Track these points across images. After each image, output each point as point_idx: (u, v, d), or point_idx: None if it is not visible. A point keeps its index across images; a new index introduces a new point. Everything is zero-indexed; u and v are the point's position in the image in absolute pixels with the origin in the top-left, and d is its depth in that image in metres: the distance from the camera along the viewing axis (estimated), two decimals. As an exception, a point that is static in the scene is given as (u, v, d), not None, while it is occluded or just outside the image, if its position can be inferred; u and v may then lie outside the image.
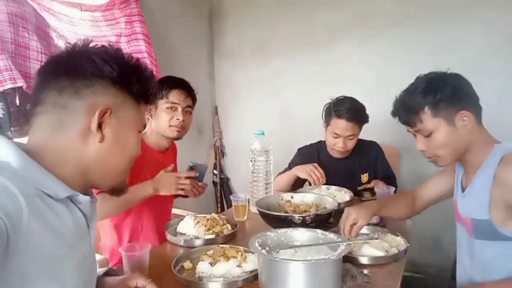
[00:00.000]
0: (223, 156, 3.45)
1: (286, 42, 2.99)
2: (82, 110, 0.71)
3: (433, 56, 2.39)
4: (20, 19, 1.63)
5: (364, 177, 2.04)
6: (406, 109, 1.17)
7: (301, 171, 1.95)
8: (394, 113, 1.22)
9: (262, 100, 3.19)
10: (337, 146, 1.94)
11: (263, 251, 1.02)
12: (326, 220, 1.44)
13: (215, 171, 3.41)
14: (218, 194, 3.41)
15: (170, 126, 1.62)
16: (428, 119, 1.13)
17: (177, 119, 1.61)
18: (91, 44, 0.76)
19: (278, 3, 2.98)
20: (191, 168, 1.53)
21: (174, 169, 1.83)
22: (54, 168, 0.70)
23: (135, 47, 2.35)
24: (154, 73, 2.38)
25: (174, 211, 1.98)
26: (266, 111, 3.17)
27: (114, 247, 1.58)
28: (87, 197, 0.76)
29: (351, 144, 1.93)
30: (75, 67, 0.72)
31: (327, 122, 1.97)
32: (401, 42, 2.55)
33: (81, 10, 2.04)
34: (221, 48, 3.35)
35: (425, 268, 2.36)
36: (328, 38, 2.80)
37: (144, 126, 0.85)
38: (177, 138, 1.69)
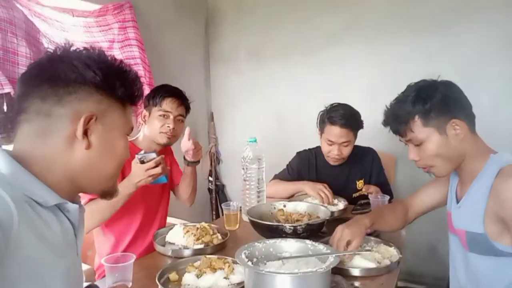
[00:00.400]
0: (218, 163, 3.42)
1: (281, 47, 2.98)
2: (66, 118, 0.70)
3: (429, 62, 2.37)
4: (9, 24, 1.61)
5: (360, 184, 2.02)
6: (396, 118, 1.15)
7: (310, 189, 1.88)
8: (386, 123, 1.20)
9: (257, 105, 3.17)
10: (332, 154, 1.91)
11: (250, 263, 0.98)
12: (318, 230, 1.40)
13: (210, 178, 3.38)
14: (213, 201, 3.37)
15: (160, 132, 1.65)
16: (419, 129, 1.10)
17: (168, 126, 1.65)
18: (73, 48, 0.74)
19: (274, 9, 2.98)
20: (142, 162, 1.46)
21: (176, 167, 1.85)
22: (41, 176, 0.69)
23: (129, 53, 2.33)
24: (147, 78, 2.41)
25: (169, 219, 1.95)
26: (261, 116, 3.15)
27: (107, 252, 1.55)
28: (76, 206, 0.75)
29: (346, 151, 1.91)
30: (57, 74, 0.70)
31: (321, 130, 1.95)
32: (397, 47, 2.54)
33: (73, 16, 2.03)
34: (216, 53, 3.34)
35: (421, 278, 2.33)
36: (323, 44, 2.78)
37: (132, 129, 0.83)
38: (168, 145, 1.72)
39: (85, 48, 0.75)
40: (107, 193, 0.82)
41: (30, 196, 0.66)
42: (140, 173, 1.39)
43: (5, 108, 1.63)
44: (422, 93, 1.10)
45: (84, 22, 2.12)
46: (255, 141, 1.72)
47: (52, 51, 0.74)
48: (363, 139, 2.35)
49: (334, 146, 1.89)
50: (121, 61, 0.78)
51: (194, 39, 3.21)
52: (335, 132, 1.86)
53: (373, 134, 2.57)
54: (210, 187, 3.39)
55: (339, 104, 1.93)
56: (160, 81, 2.63)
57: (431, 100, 1.07)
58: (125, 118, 0.80)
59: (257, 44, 3.10)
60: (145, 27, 2.53)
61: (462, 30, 2.34)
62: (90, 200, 1.40)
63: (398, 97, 1.17)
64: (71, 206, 0.74)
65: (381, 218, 1.32)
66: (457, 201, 1.17)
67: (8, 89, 1.55)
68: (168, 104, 1.65)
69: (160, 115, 1.64)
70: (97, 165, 0.75)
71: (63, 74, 0.70)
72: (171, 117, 1.65)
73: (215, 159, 3.38)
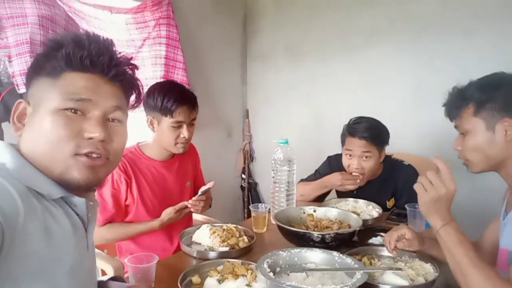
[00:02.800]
0: (252, 161, 3.40)
1: (319, 45, 2.88)
2: None
3: (481, 60, 2.17)
4: (50, 22, 1.66)
5: (390, 203, 1.88)
6: (452, 100, 1.09)
7: (334, 183, 1.83)
8: (444, 103, 1.14)
9: (294, 103, 3.10)
10: (352, 168, 1.79)
11: (271, 273, 0.94)
12: (348, 240, 1.33)
13: (243, 176, 3.37)
14: (246, 199, 3.36)
15: (176, 144, 1.58)
16: (468, 117, 1.04)
17: (183, 137, 1.57)
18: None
19: (313, 6, 2.88)
20: None
21: (197, 176, 1.84)
22: (43, 170, 0.69)
23: (156, 52, 2.34)
24: (179, 76, 2.40)
25: (199, 217, 1.94)
26: (297, 115, 3.08)
27: (131, 251, 1.58)
28: (83, 200, 0.73)
29: (367, 165, 1.77)
30: (27, 72, 0.78)
31: (342, 143, 1.87)
32: (444, 45, 2.34)
33: (112, 13, 2.07)
34: (254, 50, 3.31)
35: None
36: (363, 42, 2.66)
37: (72, 99, 0.70)
38: (184, 152, 1.65)
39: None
40: (64, 183, 0.70)
41: (35, 188, 0.66)
42: (172, 217, 1.56)
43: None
44: (489, 83, 1.03)
45: (122, 19, 2.16)
46: (287, 142, 1.67)
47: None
48: (402, 143, 2.22)
49: (353, 158, 1.78)
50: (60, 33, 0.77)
51: (231, 36, 3.19)
52: (354, 142, 1.76)
53: (415, 137, 2.45)
54: (242, 184, 3.38)
55: (362, 117, 1.82)
56: (196, 78, 2.67)
57: (492, 92, 1.00)
58: (56, 90, 0.70)
59: (295, 41, 3.02)
60: (183, 23, 2.55)
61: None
62: (107, 221, 1.51)
63: (472, 80, 1.10)
64: (78, 200, 0.73)
65: None
66: (504, 216, 1.07)
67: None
68: (180, 114, 1.54)
69: (173, 126, 1.55)
70: (33, 148, 0.69)
71: (28, 71, 0.78)
72: (185, 126, 1.57)
73: (249, 157, 3.36)
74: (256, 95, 3.35)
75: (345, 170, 1.87)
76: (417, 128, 2.45)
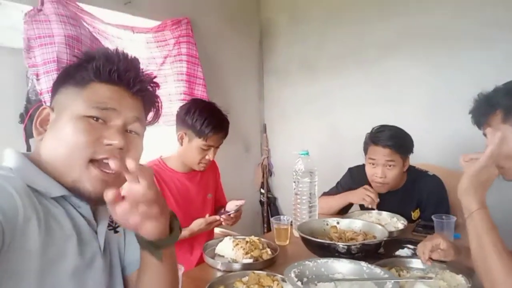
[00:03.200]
0: (270, 175, 3.39)
1: (334, 59, 2.90)
2: None
3: (498, 69, 2.14)
4: (76, 42, 1.72)
5: (415, 214, 1.84)
6: (480, 107, 1.07)
7: (353, 195, 1.83)
8: (471, 111, 1.12)
9: (311, 118, 3.10)
10: (375, 177, 1.77)
11: (299, 283, 0.93)
12: (374, 251, 1.30)
13: (262, 190, 3.35)
14: (265, 214, 3.33)
15: (199, 163, 1.65)
16: (496, 124, 1.02)
17: (208, 158, 1.64)
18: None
19: (327, 20, 2.92)
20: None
21: (218, 189, 1.85)
22: (46, 171, 0.72)
23: (177, 69, 2.39)
24: (199, 92, 2.43)
25: (216, 229, 1.95)
26: (314, 129, 3.07)
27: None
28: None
29: (391, 174, 1.75)
30: (54, 81, 0.81)
31: (365, 151, 1.85)
32: (460, 55, 2.33)
33: (134, 33, 2.13)
34: (270, 66, 3.34)
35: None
36: (378, 55, 2.66)
37: (98, 106, 0.73)
38: (203, 170, 1.72)
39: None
40: (76, 191, 0.72)
41: (33, 186, 0.67)
42: (203, 227, 1.60)
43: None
44: None
45: (144, 38, 2.22)
46: (307, 154, 1.66)
47: None
48: (422, 155, 2.18)
49: (377, 168, 1.76)
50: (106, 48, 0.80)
51: (248, 52, 3.24)
52: (377, 150, 1.75)
53: (434, 149, 2.40)
54: (261, 199, 3.36)
55: (385, 125, 1.80)
56: (215, 93, 2.70)
57: None
58: (82, 98, 0.73)
59: (311, 56, 3.05)
60: (202, 40, 2.60)
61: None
62: None
63: (497, 86, 1.08)
64: (81, 202, 0.73)
65: None
66: None
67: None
68: (213, 140, 1.62)
69: (202, 148, 1.61)
70: (51, 153, 0.72)
71: (55, 80, 0.81)
72: (212, 149, 1.64)
73: (267, 171, 3.35)
74: (273, 110, 3.37)
75: (367, 181, 1.86)
76: (435, 140, 2.41)
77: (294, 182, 1.67)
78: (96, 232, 0.77)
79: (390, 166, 1.74)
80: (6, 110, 1.68)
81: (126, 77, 0.76)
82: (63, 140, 0.71)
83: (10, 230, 0.58)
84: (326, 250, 1.25)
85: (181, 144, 1.63)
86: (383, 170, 1.75)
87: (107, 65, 0.75)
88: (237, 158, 3.16)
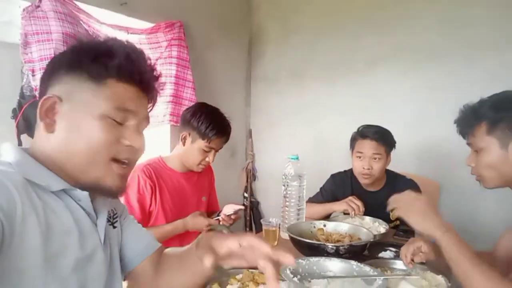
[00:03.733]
0: (254, 180, 3.44)
1: (323, 69, 2.99)
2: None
3: (481, 86, 2.26)
4: (73, 39, 1.73)
5: (393, 215, 1.95)
6: (465, 118, 1.13)
7: (339, 205, 1.91)
8: (456, 120, 1.18)
9: (297, 126, 3.17)
10: (362, 169, 1.90)
11: (295, 279, 0.98)
12: (360, 252, 1.37)
13: (245, 194, 3.40)
14: (248, 218, 3.38)
15: (199, 164, 1.70)
16: (481, 135, 1.07)
17: (208, 160, 1.71)
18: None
19: (318, 31, 3.00)
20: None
21: (212, 192, 1.89)
22: (47, 165, 0.71)
23: (167, 71, 2.42)
24: (188, 95, 2.46)
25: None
26: (300, 137, 3.15)
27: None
28: (86, 193, 0.74)
29: (377, 166, 1.88)
30: (50, 66, 0.76)
31: (352, 147, 1.99)
32: (446, 72, 2.45)
33: (128, 33, 2.15)
34: (258, 73, 3.40)
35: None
36: (366, 67, 2.77)
37: (117, 107, 0.74)
38: (201, 172, 1.78)
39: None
40: (96, 189, 0.74)
41: (33, 180, 0.66)
42: (200, 222, 1.63)
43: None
44: (501, 101, 1.07)
45: (137, 39, 2.24)
46: (297, 158, 1.73)
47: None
48: (406, 164, 2.30)
49: (364, 160, 1.90)
50: (110, 38, 0.77)
51: (237, 58, 3.30)
52: (365, 144, 1.89)
53: (417, 160, 2.52)
54: (245, 203, 3.40)
55: (370, 124, 1.96)
56: (202, 97, 2.73)
57: (506, 111, 1.04)
58: (101, 95, 0.72)
59: (299, 65, 3.13)
60: (193, 45, 2.64)
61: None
62: None
63: (485, 98, 1.13)
64: (81, 194, 0.73)
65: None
66: None
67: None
68: (216, 143, 1.69)
69: (204, 150, 1.67)
70: (67, 148, 0.71)
71: (50, 64, 0.76)
72: (213, 152, 1.71)
73: (251, 176, 3.40)
74: (259, 117, 3.43)
75: (348, 185, 2.01)
76: (416, 150, 2.53)
77: (283, 185, 1.72)
78: (96, 225, 0.78)
79: (376, 159, 1.88)
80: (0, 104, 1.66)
81: (145, 79, 0.78)
82: (85, 138, 0.71)
83: (9, 226, 0.58)
84: (315, 251, 1.31)
85: (184, 144, 1.69)
86: (369, 162, 1.88)
87: (128, 65, 0.74)
88: (222, 162, 3.18)
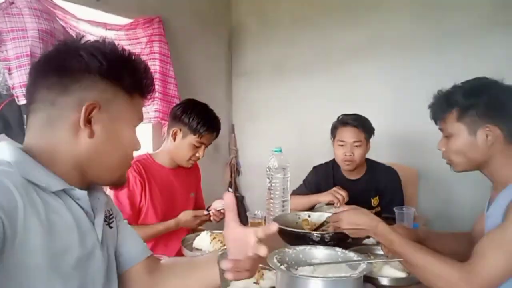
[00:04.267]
0: (238, 174, 3.45)
1: (303, 61, 3.02)
2: (70, 106, 0.71)
3: (453, 76, 2.33)
4: (50, 36, 1.70)
5: (375, 201, 2.02)
6: (438, 103, 1.17)
7: (324, 196, 1.94)
8: (430, 105, 1.22)
9: (279, 118, 3.20)
10: (344, 155, 1.96)
11: (282, 267, 1.00)
12: (345, 240, 1.41)
13: (230, 189, 3.40)
14: (233, 213, 3.39)
15: (189, 160, 1.71)
16: (451, 122, 1.12)
17: (198, 156, 1.72)
18: (83, 40, 0.76)
19: (296, 24, 3.03)
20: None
21: (198, 189, 1.90)
22: (48, 165, 0.71)
23: (151, 67, 2.40)
24: (171, 91, 2.45)
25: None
26: (282, 129, 3.17)
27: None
28: (85, 192, 0.75)
29: (358, 153, 1.94)
30: (62, 63, 0.71)
31: (333, 135, 2.04)
32: (420, 62, 2.52)
33: (106, 29, 2.12)
34: (239, 67, 3.41)
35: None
36: (345, 58, 2.81)
37: (141, 120, 0.84)
38: (190, 167, 1.80)
39: (95, 40, 0.77)
40: (116, 184, 0.84)
41: (33, 181, 0.66)
42: (190, 220, 1.66)
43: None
44: (472, 89, 1.10)
45: (116, 35, 2.21)
46: (281, 151, 1.75)
47: (62, 43, 0.76)
48: (385, 152, 2.35)
49: (346, 147, 1.95)
50: (130, 52, 0.78)
51: (217, 53, 3.29)
52: (346, 131, 1.96)
53: (395, 147, 2.59)
54: (229, 198, 3.41)
55: (349, 113, 2.03)
56: (184, 93, 2.72)
57: (476, 99, 1.07)
58: (133, 108, 0.80)
59: (279, 58, 3.15)
60: (173, 40, 2.62)
61: (486, 44, 2.31)
62: None
63: (458, 84, 1.16)
64: (80, 193, 0.74)
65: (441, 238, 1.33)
66: (488, 210, 1.15)
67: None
68: (207, 138, 1.70)
69: (194, 145, 1.68)
70: (102, 154, 0.75)
71: (68, 63, 0.71)
72: (203, 147, 1.72)
73: (235, 171, 3.41)
74: (241, 111, 3.44)
75: (330, 176, 2.08)
76: (394, 139, 2.60)
77: (268, 178, 1.74)
78: (93, 223, 0.79)
79: (356, 146, 1.94)
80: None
81: (150, 90, 0.84)
82: (122, 145, 0.79)
83: (11, 226, 0.58)
84: (301, 240, 1.34)
85: (174, 140, 1.69)
86: (351, 149, 1.94)
87: (148, 82, 0.82)
88: (206, 158, 3.16)
